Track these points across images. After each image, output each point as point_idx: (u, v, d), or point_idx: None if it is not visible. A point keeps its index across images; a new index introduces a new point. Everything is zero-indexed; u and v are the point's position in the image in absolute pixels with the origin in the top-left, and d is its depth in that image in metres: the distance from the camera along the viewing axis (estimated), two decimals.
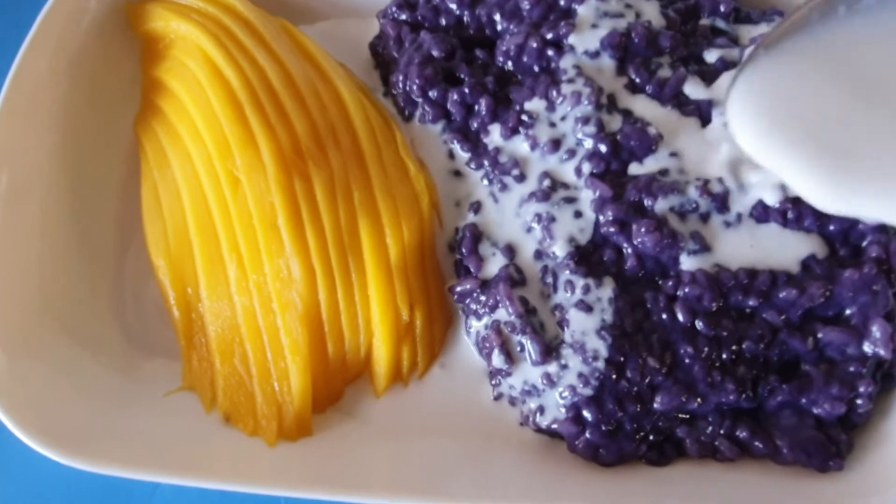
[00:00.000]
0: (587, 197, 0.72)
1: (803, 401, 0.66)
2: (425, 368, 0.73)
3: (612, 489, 0.66)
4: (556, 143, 0.73)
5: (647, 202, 0.70)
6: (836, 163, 0.58)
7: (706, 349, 0.67)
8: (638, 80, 0.75)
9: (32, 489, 0.75)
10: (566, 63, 0.75)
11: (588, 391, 0.66)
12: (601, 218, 0.70)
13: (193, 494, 0.75)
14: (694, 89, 0.74)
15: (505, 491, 0.66)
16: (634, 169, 0.72)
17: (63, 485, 0.75)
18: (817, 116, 0.59)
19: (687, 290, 0.67)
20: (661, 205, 0.69)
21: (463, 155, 0.78)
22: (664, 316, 0.67)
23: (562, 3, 0.78)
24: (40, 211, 0.74)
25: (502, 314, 0.70)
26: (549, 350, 0.68)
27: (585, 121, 0.73)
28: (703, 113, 0.73)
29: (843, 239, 0.69)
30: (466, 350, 0.74)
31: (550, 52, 0.76)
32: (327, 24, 0.89)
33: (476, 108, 0.77)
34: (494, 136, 0.76)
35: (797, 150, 0.59)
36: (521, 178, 0.74)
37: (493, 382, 0.71)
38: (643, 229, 0.68)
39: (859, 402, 0.66)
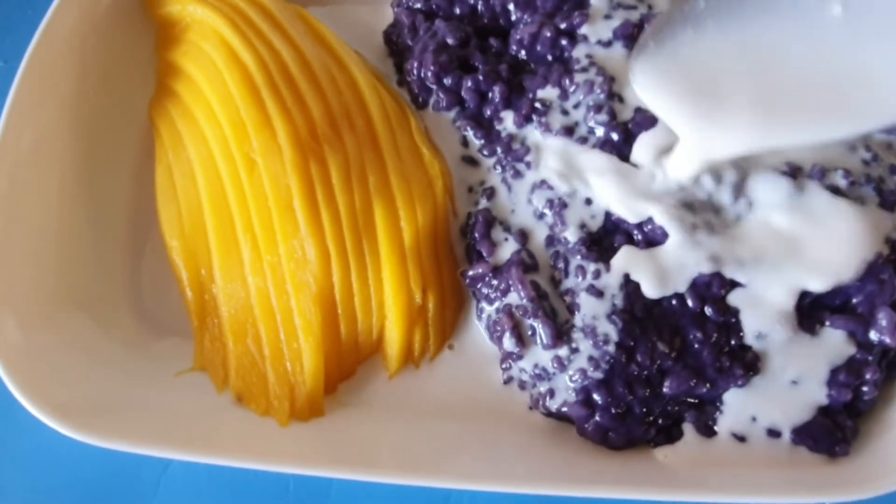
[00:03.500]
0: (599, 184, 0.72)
1: None
2: (436, 351, 0.74)
3: (620, 473, 0.67)
4: (568, 131, 0.74)
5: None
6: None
7: (715, 335, 0.68)
8: None
9: (42, 466, 0.76)
10: (579, 52, 0.76)
11: (598, 374, 0.67)
12: None
13: (203, 473, 0.75)
14: None
15: (513, 473, 0.66)
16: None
17: (73, 461, 0.75)
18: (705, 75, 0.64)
19: (696, 277, 0.68)
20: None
21: (476, 142, 0.78)
22: (674, 301, 0.68)
23: None
24: (58, 190, 0.75)
25: (514, 298, 0.70)
26: (560, 334, 0.69)
27: (598, 109, 0.74)
28: None
29: None
30: (477, 334, 0.74)
31: (564, 42, 0.77)
32: (338, 9, 0.89)
33: (490, 95, 0.78)
34: (508, 123, 0.77)
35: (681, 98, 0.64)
36: (533, 164, 0.75)
37: (504, 366, 0.72)
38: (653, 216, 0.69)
39: (865, 389, 0.67)
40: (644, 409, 0.68)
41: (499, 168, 0.77)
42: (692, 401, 0.69)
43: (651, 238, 0.70)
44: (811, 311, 0.68)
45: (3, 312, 0.67)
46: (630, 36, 0.76)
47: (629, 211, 0.69)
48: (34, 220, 0.72)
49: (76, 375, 0.69)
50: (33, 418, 0.65)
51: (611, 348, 0.67)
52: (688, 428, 0.68)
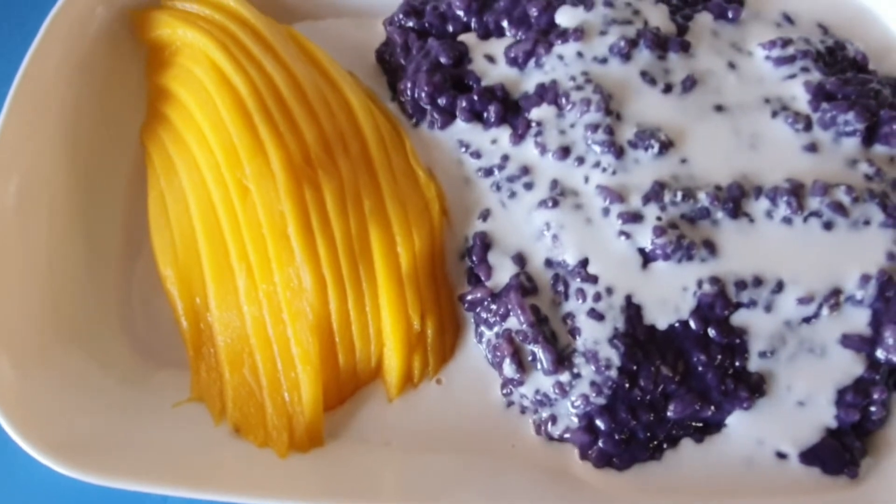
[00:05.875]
0: (597, 204, 0.71)
1: None
2: (435, 376, 0.72)
3: (625, 498, 0.66)
4: (565, 151, 0.73)
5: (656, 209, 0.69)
6: None
7: (719, 357, 0.67)
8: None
9: (39, 499, 0.74)
10: (575, 70, 0.75)
11: (601, 400, 0.66)
12: None
13: None
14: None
15: (516, 500, 0.65)
16: (644, 176, 0.71)
17: (70, 498, 0.74)
18: None
19: (699, 297, 0.67)
20: (671, 211, 0.69)
21: (472, 162, 0.77)
22: (676, 324, 0.67)
23: None
24: (48, 222, 0.74)
25: (513, 323, 0.69)
26: (562, 359, 0.67)
27: (595, 128, 0.72)
28: None
29: None
30: (476, 358, 0.73)
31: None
32: (330, 26, 0.88)
33: (485, 115, 0.76)
34: (503, 142, 0.76)
35: None
36: (531, 185, 0.74)
37: (505, 392, 0.71)
38: (654, 234, 0.68)
39: (873, 409, 0.66)
40: (648, 434, 0.67)
41: (495, 189, 0.75)
42: (697, 424, 0.68)
43: (651, 258, 0.69)
44: (816, 328, 0.68)
45: None
46: (627, 53, 0.74)
47: (624, 231, 0.69)
48: (25, 253, 0.71)
49: (72, 412, 0.67)
50: (30, 456, 0.64)
51: (613, 373, 0.66)
52: (693, 451, 0.67)
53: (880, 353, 0.67)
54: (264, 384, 0.70)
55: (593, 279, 0.68)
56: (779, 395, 0.66)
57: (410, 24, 0.82)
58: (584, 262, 0.69)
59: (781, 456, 0.66)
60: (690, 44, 0.76)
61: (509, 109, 0.76)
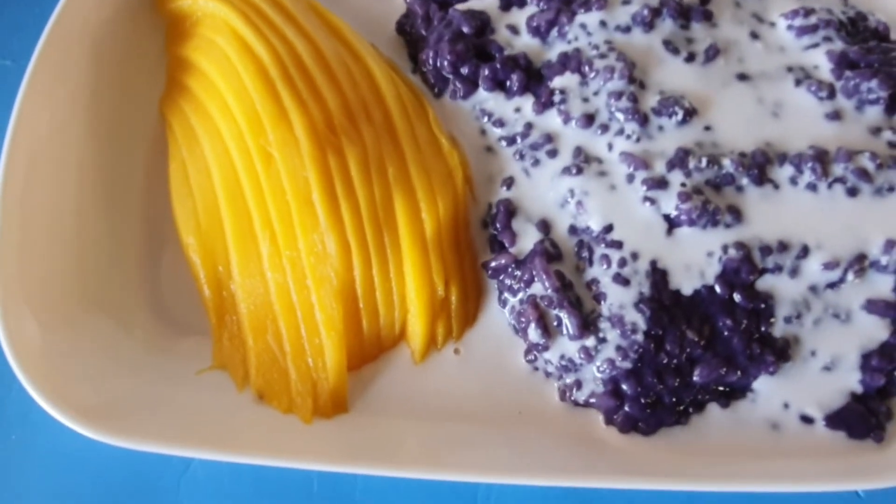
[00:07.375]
0: (621, 171, 0.71)
1: None
2: (458, 342, 0.72)
3: (649, 462, 0.66)
4: (589, 118, 0.73)
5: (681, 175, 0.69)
6: None
7: (744, 322, 0.67)
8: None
9: (62, 469, 0.74)
10: (598, 38, 0.75)
11: (627, 364, 0.66)
12: None
13: (225, 473, 0.74)
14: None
15: (542, 465, 0.65)
16: (668, 143, 0.71)
17: (93, 464, 0.74)
18: None
19: (724, 263, 0.67)
20: (695, 178, 0.69)
21: (495, 131, 0.77)
22: (702, 289, 0.67)
23: None
24: (71, 189, 0.73)
25: (538, 289, 0.69)
26: (587, 324, 0.67)
27: (618, 95, 0.72)
28: None
29: None
30: (499, 325, 0.73)
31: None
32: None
33: (508, 83, 0.76)
34: (526, 111, 0.76)
35: None
36: (554, 153, 0.74)
37: (529, 357, 0.71)
38: (679, 199, 0.68)
39: None
40: (674, 399, 0.67)
41: (518, 157, 0.75)
42: (722, 389, 0.68)
43: (675, 223, 0.69)
44: (841, 294, 0.68)
45: (22, 315, 0.66)
46: (650, 21, 0.74)
47: (649, 197, 0.69)
48: (50, 221, 0.71)
49: (96, 376, 0.67)
50: (53, 420, 0.64)
51: (639, 337, 0.66)
52: (719, 415, 0.67)
53: None
54: (288, 350, 0.70)
55: (618, 245, 0.68)
56: (804, 359, 0.66)
57: None
58: (609, 229, 0.69)
59: (807, 420, 0.66)
60: (713, 13, 0.76)
61: (532, 78, 0.76)
